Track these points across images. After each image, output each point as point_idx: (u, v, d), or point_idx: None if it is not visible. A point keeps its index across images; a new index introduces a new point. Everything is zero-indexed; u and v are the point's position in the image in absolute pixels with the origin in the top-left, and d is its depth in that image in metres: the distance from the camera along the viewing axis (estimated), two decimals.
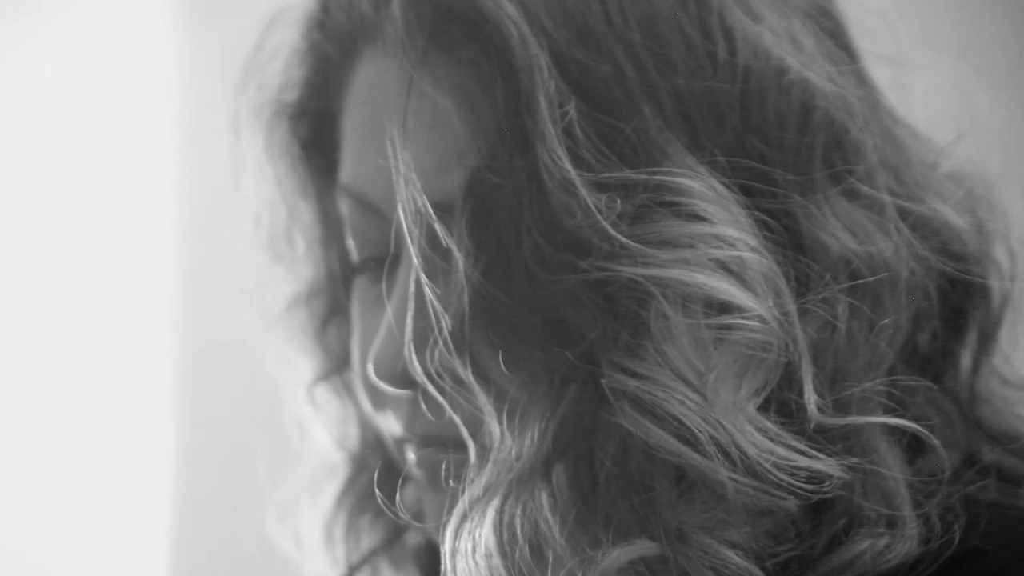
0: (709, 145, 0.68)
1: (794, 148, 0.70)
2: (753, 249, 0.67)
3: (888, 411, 0.69)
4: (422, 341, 0.69)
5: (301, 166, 0.86)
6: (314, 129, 0.84)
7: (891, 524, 0.67)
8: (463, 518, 0.67)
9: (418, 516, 0.78)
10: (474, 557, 0.67)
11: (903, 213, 0.72)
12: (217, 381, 1.28)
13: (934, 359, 0.74)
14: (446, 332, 0.68)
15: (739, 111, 0.69)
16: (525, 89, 0.67)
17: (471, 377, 0.68)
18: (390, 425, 0.78)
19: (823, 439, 0.66)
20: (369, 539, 0.92)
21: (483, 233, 0.69)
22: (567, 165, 0.66)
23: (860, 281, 0.69)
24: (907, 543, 0.67)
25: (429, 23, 0.71)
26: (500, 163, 0.68)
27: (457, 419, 0.69)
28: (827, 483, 0.66)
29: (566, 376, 0.67)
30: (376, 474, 0.87)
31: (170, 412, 1.30)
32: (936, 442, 0.69)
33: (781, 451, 0.65)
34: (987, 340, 0.76)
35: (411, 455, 0.77)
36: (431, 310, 0.68)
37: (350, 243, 0.80)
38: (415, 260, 0.69)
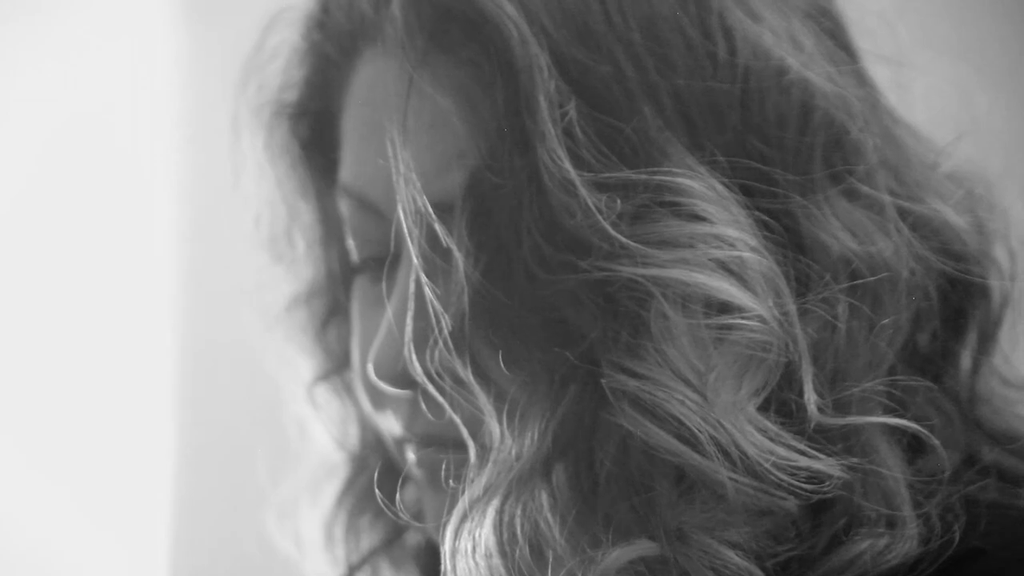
0: (709, 145, 0.68)
1: (794, 148, 0.70)
2: (753, 249, 0.67)
3: (888, 411, 0.69)
4: (422, 341, 0.69)
5: (301, 166, 0.86)
6: (314, 129, 0.84)
7: (891, 524, 0.67)
8: (463, 518, 0.67)
9: (418, 516, 0.78)
10: (474, 557, 0.67)
11: (903, 213, 0.72)
12: (217, 381, 1.28)
13: (934, 359, 0.74)
14: (446, 332, 0.68)
15: (739, 111, 0.69)
16: (525, 89, 0.67)
17: (471, 377, 0.68)
18: (390, 425, 0.78)
19: (823, 439, 0.66)
20: (369, 539, 0.92)
21: (483, 233, 0.69)
22: (567, 165, 0.66)
23: (860, 281, 0.69)
24: (907, 543, 0.67)
25: (429, 23, 0.71)
26: (500, 163, 0.68)
27: (457, 419, 0.69)
28: (827, 483, 0.66)
29: (566, 376, 0.67)
30: (376, 474, 0.87)
31: (170, 412, 1.30)
32: (936, 442, 0.69)
33: (781, 451, 0.65)
34: (987, 340, 0.76)
35: (411, 455, 0.77)
36: (431, 310, 0.68)
37: (350, 243, 0.80)
38: (415, 260, 0.69)
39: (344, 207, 0.79)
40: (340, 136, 0.79)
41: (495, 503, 0.67)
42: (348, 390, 0.90)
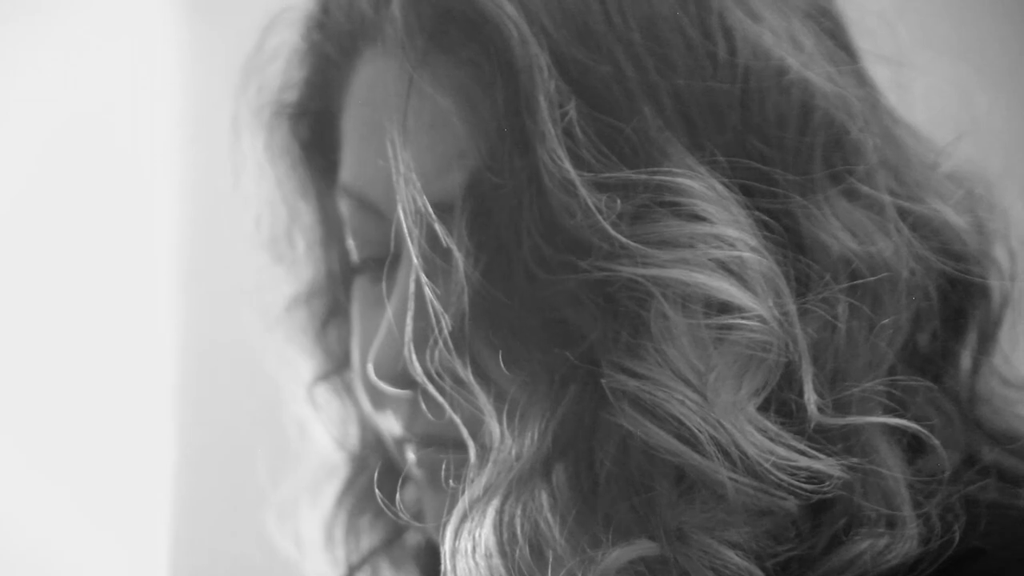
0: (709, 145, 0.68)
1: (794, 148, 0.70)
2: (753, 249, 0.67)
3: (888, 411, 0.69)
4: (422, 341, 0.69)
5: (301, 167, 0.86)
6: (314, 130, 0.84)
7: (891, 524, 0.67)
8: (463, 518, 0.67)
9: (418, 516, 0.78)
10: (474, 557, 0.67)
11: (903, 213, 0.72)
12: (217, 381, 1.28)
13: (934, 359, 0.74)
14: (446, 332, 0.68)
15: (739, 111, 0.69)
16: (525, 89, 0.67)
17: (471, 377, 0.68)
18: (390, 425, 0.78)
19: (823, 439, 0.66)
20: (369, 539, 0.92)
21: (483, 233, 0.69)
22: (567, 165, 0.66)
23: (860, 281, 0.69)
24: (907, 543, 0.67)
25: (429, 23, 0.71)
26: (500, 163, 0.68)
27: (457, 419, 0.69)
28: (827, 483, 0.66)
29: (566, 376, 0.67)
30: (376, 474, 0.87)
31: (170, 412, 1.30)
32: (936, 442, 0.69)
33: (781, 451, 0.65)
34: (987, 340, 0.76)
35: (411, 455, 0.77)
36: (431, 310, 0.68)
37: (350, 243, 0.80)
38: (415, 260, 0.69)
39: (344, 207, 0.79)
40: (340, 137, 0.79)
41: (495, 503, 0.67)
42: (348, 390, 0.90)
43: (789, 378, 0.67)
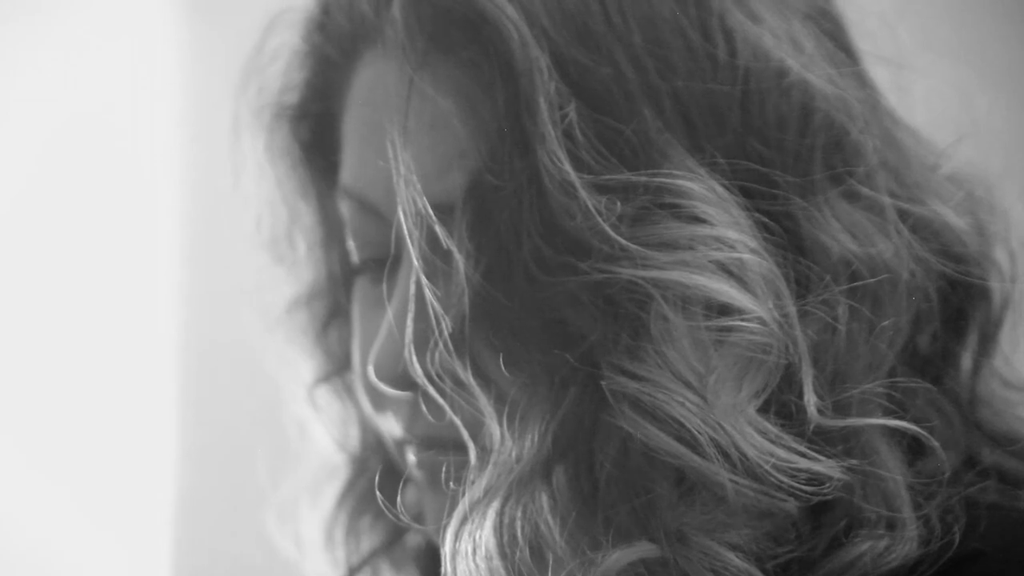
0: (709, 147, 0.68)
1: (794, 150, 0.70)
2: (753, 251, 0.67)
3: (888, 413, 0.69)
4: (422, 343, 0.69)
5: (302, 167, 0.86)
6: (315, 131, 0.84)
7: (891, 526, 0.67)
8: (463, 520, 0.67)
9: (418, 518, 0.78)
10: (474, 559, 0.67)
11: (903, 215, 0.72)
12: (218, 382, 1.28)
13: (934, 361, 0.74)
14: (446, 334, 0.68)
15: (739, 113, 0.69)
16: (525, 91, 0.67)
17: (471, 379, 0.68)
18: (390, 427, 0.78)
19: (823, 441, 0.66)
20: (369, 541, 0.92)
21: (483, 235, 0.69)
22: (567, 167, 0.66)
23: (860, 283, 0.69)
24: (907, 545, 0.67)
25: (429, 25, 0.71)
26: (500, 165, 0.68)
27: (457, 421, 0.69)
28: (827, 485, 0.66)
29: (566, 378, 0.67)
30: (377, 476, 0.87)
31: (171, 412, 1.30)
32: (936, 444, 0.69)
33: (781, 453, 0.65)
34: (987, 342, 0.76)
35: (411, 457, 0.77)
36: (431, 312, 0.68)
37: (351, 245, 0.80)
38: (415, 262, 0.69)
39: (345, 209, 0.79)
40: (341, 138, 0.79)
41: (495, 505, 0.67)
42: (349, 391, 0.90)
43: (789, 380, 0.67)
